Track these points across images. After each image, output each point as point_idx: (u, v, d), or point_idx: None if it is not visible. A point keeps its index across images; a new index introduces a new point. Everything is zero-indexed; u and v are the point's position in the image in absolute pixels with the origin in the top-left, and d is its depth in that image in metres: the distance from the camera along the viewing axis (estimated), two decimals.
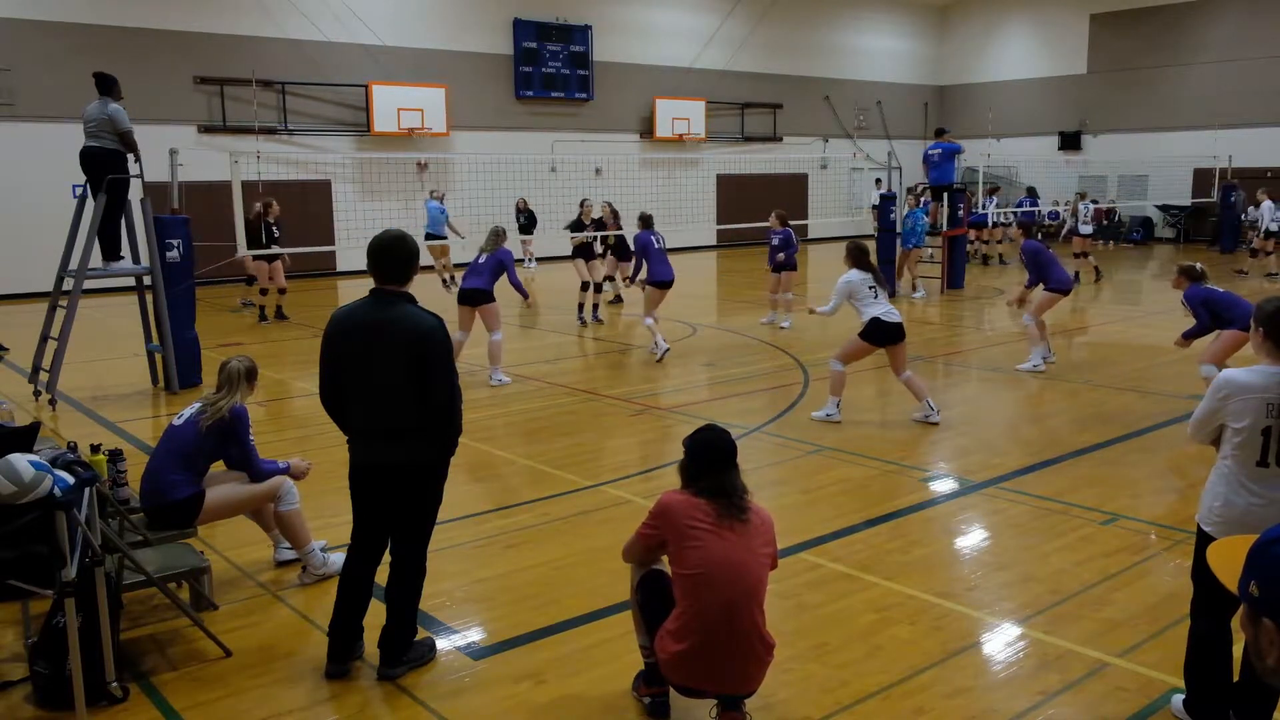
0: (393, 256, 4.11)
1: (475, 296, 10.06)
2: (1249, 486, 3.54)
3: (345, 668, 4.24)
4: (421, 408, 4.06)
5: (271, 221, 14.34)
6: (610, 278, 15.32)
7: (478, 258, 10.21)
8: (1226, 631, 3.61)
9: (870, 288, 8.21)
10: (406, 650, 4.25)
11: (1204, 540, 3.65)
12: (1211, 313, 8.27)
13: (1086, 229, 19.47)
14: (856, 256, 8.30)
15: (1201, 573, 3.64)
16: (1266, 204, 19.59)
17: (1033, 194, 23.12)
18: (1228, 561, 1.84)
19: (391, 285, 4.12)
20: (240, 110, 20.30)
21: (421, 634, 4.42)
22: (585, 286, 14.42)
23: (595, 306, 14.51)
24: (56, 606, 3.93)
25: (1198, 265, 8.60)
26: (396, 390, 4.04)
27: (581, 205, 15.28)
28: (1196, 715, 3.71)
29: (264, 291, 14.79)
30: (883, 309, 8.18)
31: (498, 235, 10.31)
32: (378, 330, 4.05)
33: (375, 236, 4.21)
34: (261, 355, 10.28)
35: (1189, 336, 8.61)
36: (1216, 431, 3.65)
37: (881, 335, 8.18)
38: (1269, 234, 19.60)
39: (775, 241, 13.91)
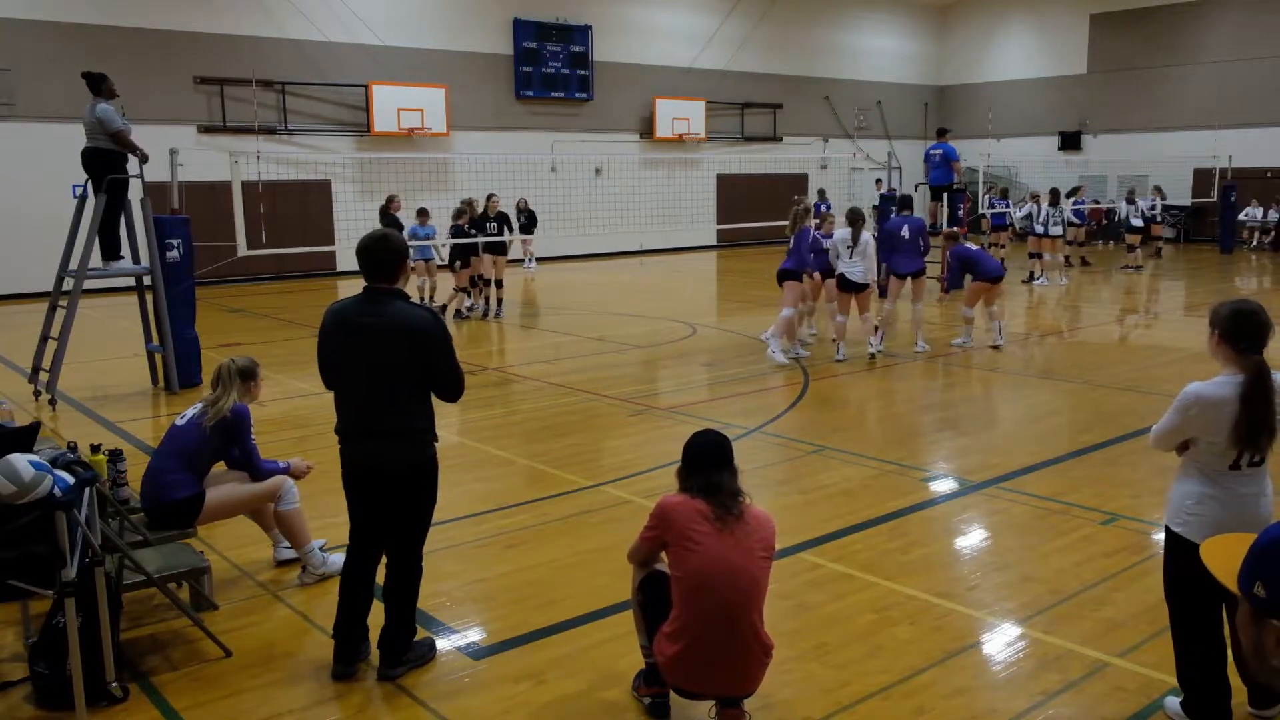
0: (373, 257, 4.08)
1: (782, 275, 10.97)
2: (1222, 484, 3.55)
3: (352, 669, 4.23)
4: (416, 406, 4.07)
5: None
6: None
7: (790, 240, 11.01)
8: (1217, 630, 3.58)
9: (848, 247, 10.59)
10: (406, 650, 4.25)
11: (1174, 543, 3.61)
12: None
13: (1056, 230, 19.57)
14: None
15: (1176, 576, 3.60)
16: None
17: (1004, 195, 22.78)
18: (1223, 559, 1.81)
19: (381, 283, 4.11)
20: (240, 110, 20.30)
21: (421, 634, 4.42)
22: (488, 283, 15.06)
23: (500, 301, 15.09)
24: (56, 606, 3.93)
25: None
26: (391, 389, 4.03)
27: (489, 200, 15.14)
28: (1196, 717, 3.69)
29: None
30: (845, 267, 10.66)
31: (799, 215, 10.89)
32: (370, 328, 4.03)
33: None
34: (261, 355, 10.24)
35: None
36: (1184, 443, 3.64)
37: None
38: (1133, 229, 21.35)
39: (828, 244, 13.34)
